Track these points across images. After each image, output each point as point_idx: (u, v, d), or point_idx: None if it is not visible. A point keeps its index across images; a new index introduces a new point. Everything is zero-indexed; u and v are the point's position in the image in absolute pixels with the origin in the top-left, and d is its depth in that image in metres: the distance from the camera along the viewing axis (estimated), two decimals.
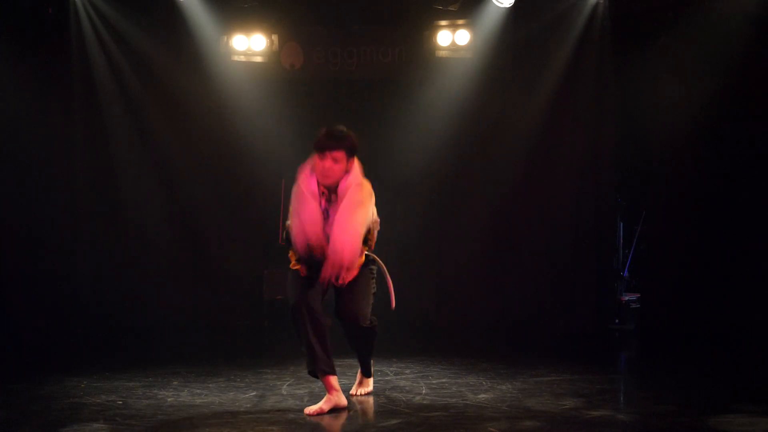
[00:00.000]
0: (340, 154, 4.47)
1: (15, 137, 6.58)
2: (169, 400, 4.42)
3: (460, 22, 7.30)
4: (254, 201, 7.69)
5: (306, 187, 4.50)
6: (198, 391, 4.65)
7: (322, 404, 4.13)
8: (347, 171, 4.50)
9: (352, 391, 4.56)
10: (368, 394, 4.60)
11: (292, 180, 8.06)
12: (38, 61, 6.71)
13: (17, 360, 5.86)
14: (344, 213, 4.35)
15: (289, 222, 4.54)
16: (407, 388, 4.73)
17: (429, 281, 7.56)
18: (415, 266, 7.61)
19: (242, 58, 7.45)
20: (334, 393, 4.17)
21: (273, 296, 7.31)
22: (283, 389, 4.70)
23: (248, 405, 4.30)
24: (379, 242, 7.79)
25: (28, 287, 6.59)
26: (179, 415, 4.07)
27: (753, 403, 4.33)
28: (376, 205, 7.03)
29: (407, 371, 5.26)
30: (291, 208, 4.51)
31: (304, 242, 4.37)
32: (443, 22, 7.34)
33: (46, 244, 6.73)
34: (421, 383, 4.86)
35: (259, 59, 7.45)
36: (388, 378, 5.04)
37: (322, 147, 4.45)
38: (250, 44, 7.39)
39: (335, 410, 4.14)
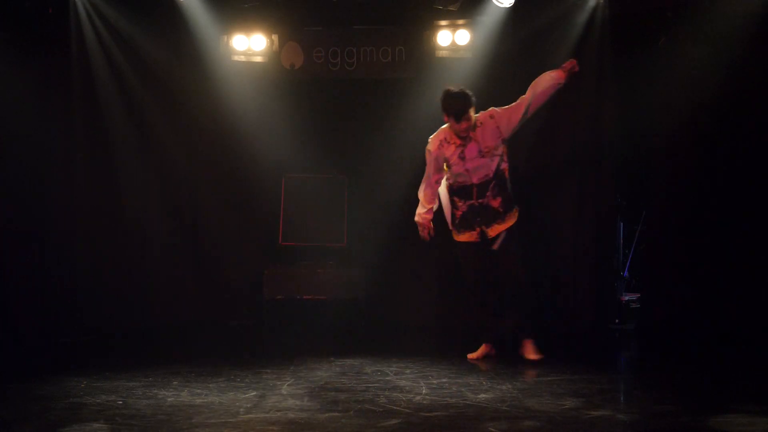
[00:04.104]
0: (469, 114, 5.62)
1: (15, 137, 6.57)
2: (169, 400, 4.43)
3: (460, 22, 7.30)
4: (254, 201, 7.69)
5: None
6: (198, 391, 4.65)
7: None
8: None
9: (529, 356, 5.63)
10: (539, 359, 5.57)
11: (292, 179, 8.12)
12: (38, 61, 6.70)
13: (17, 360, 5.86)
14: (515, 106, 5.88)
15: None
16: (407, 388, 4.73)
17: (429, 281, 7.56)
18: (415, 266, 7.61)
19: (242, 58, 7.45)
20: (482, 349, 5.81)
21: (273, 296, 7.31)
22: (283, 389, 4.71)
23: (248, 405, 4.31)
24: (379, 242, 7.83)
25: (28, 287, 6.58)
26: (179, 415, 4.07)
27: (753, 403, 4.33)
28: (372, 202, 7.28)
29: (407, 371, 5.26)
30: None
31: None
32: (443, 22, 7.34)
33: (46, 243, 6.72)
34: (421, 383, 4.87)
35: (259, 59, 7.46)
36: (388, 378, 5.04)
37: (458, 113, 5.58)
38: (250, 44, 7.39)
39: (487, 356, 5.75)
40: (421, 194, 5.85)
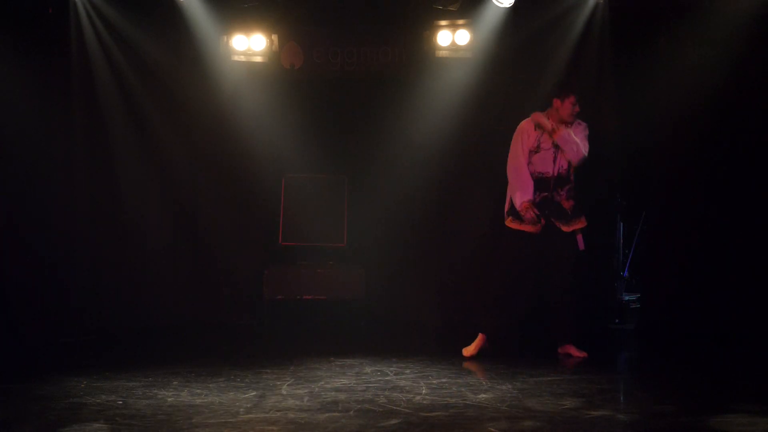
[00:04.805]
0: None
1: (14, 137, 6.57)
2: (169, 400, 4.43)
3: (460, 22, 7.30)
4: (254, 201, 7.69)
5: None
6: (198, 391, 4.65)
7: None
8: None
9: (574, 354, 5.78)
10: (583, 359, 5.71)
11: (292, 179, 8.11)
12: (38, 61, 6.70)
13: (17, 360, 5.86)
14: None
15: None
16: (407, 388, 4.73)
17: (429, 280, 7.56)
18: (415, 265, 7.61)
19: (242, 58, 7.45)
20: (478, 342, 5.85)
21: (273, 296, 7.32)
22: (283, 389, 4.71)
23: (248, 405, 4.31)
24: (379, 242, 7.83)
25: (28, 287, 6.58)
26: (179, 415, 4.07)
27: (753, 403, 4.33)
28: (372, 202, 7.29)
29: (407, 371, 5.27)
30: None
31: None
32: (443, 22, 7.34)
33: (46, 243, 6.72)
34: (421, 383, 4.87)
35: (259, 59, 7.45)
36: (388, 378, 5.04)
37: (574, 93, 5.81)
38: (250, 44, 7.38)
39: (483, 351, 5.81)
40: (517, 179, 5.83)
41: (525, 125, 5.89)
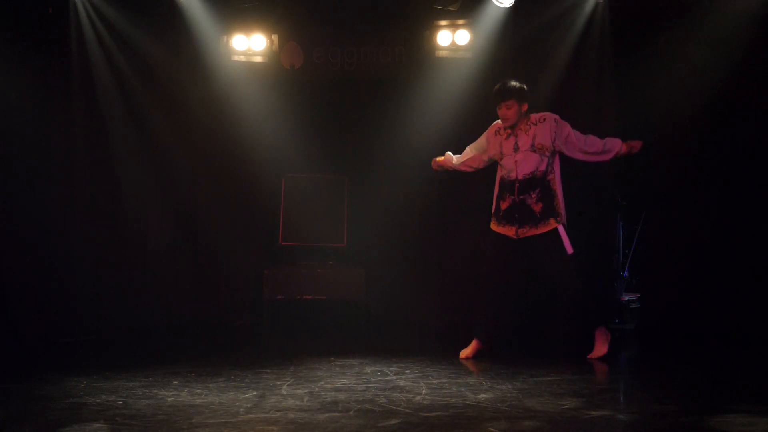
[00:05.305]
0: (511, 102, 5.72)
1: (15, 137, 6.57)
2: (169, 400, 4.43)
3: (460, 22, 7.30)
4: (254, 201, 7.70)
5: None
6: (198, 391, 4.65)
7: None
8: (525, 112, 5.79)
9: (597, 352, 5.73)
10: (602, 357, 5.69)
11: (292, 179, 8.11)
12: (38, 61, 6.70)
13: (17, 360, 5.86)
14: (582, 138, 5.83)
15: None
16: (407, 388, 4.73)
17: (429, 281, 7.56)
18: (415, 266, 7.61)
19: (242, 58, 7.45)
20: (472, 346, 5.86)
21: (273, 296, 7.32)
22: (283, 389, 4.71)
23: (248, 405, 4.31)
24: (379, 242, 7.83)
25: (28, 287, 6.58)
26: (179, 415, 4.07)
27: (753, 403, 4.33)
28: (372, 202, 7.28)
29: (407, 371, 5.26)
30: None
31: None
32: (443, 22, 7.34)
33: (45, 243, 6.72)
34: (421, 383, 4.87)
35: (259, 59, 7.46)
36: (388, 378, 5.04)
37: (497, 99, 5.75)
38: (250, 44, 7.39)
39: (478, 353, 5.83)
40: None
41: (488, 130, 5.94)
